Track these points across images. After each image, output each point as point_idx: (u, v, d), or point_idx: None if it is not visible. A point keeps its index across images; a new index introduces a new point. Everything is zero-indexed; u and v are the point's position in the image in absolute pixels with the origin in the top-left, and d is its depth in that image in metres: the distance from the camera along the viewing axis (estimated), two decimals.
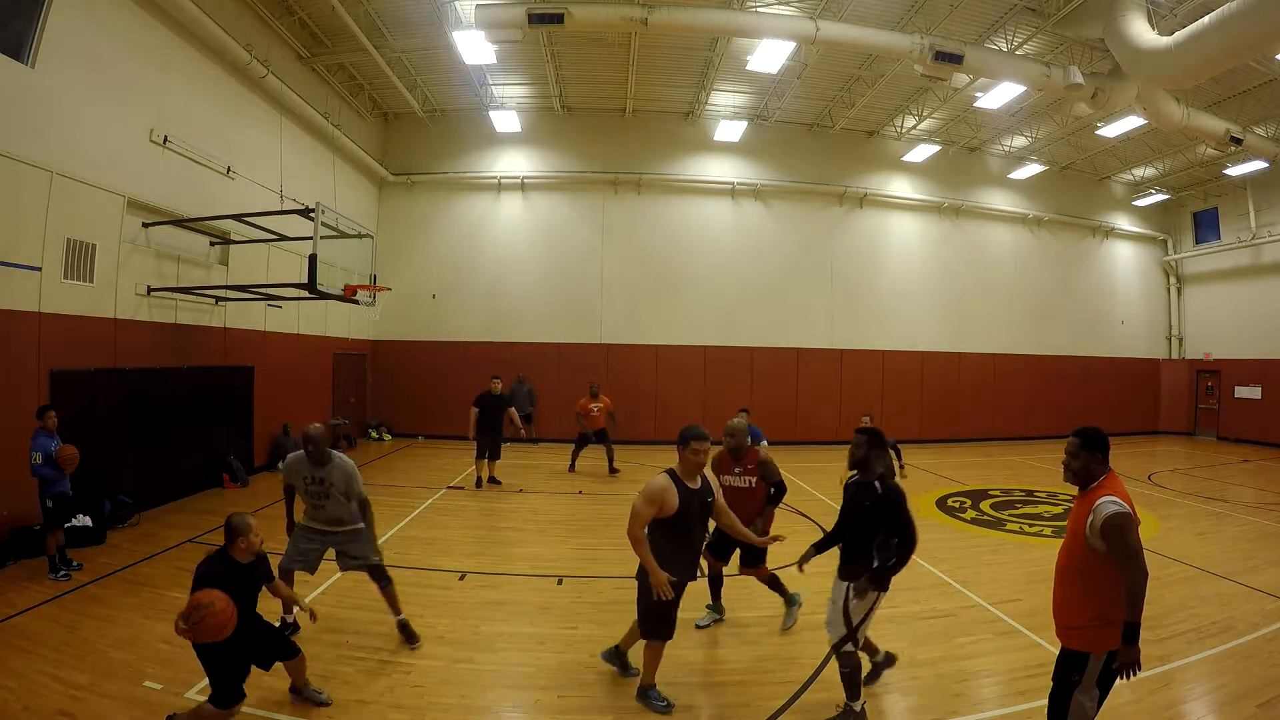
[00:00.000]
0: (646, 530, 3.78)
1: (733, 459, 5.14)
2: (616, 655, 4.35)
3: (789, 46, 11.12)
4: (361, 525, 4.79)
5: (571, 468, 11.71)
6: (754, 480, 5.03)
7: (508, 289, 16.02)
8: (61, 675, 4.02)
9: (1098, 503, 2.88)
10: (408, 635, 4.76)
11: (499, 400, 10.36)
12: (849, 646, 3.72)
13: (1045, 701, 3.94)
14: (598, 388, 11.85)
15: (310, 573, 4.83)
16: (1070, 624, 3.07)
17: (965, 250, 17.79)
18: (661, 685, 4.21)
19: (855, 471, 3.96)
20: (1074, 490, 3.20)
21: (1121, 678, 2.89)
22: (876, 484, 3.77)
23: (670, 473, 3.85)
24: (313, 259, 8.27)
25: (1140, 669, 2.82)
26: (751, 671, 4.41)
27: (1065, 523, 3.35)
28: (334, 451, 4.67)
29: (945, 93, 14.03)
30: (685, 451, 3.79)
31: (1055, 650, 4.60)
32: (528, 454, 14.00)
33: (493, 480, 10.46)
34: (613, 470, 11.53)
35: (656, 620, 3.86)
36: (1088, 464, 3.03)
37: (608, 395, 11.70)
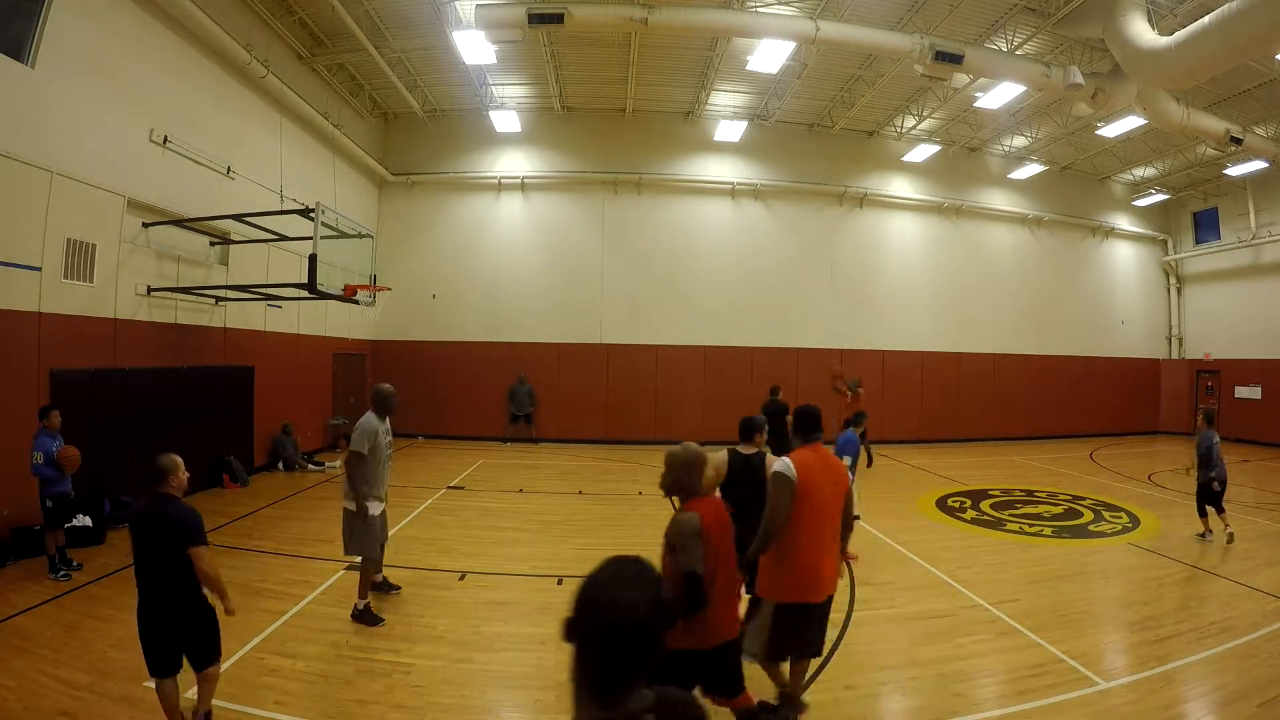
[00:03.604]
0: None
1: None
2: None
3: (789, 46, 11.11)
4: None
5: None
6: None
7: (508, 289, 16.02)
8: (61, 675, 4.02)
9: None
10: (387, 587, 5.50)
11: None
12: None
13: (1046, 701, 3.97)
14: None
15: None
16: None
17: (965, 250, 17.79)
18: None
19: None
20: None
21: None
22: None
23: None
24: (313, 259, 8.28)
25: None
26: (751, 671, 4.40)
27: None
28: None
29: (945, 93, 14.02)
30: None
31: (1055, 650, 4.64)
32: (528, 454, 14.00)
33: None
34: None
35: None
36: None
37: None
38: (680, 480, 2.97)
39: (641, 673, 1.22)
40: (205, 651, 3.40)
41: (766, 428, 4.58)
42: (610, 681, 1.20)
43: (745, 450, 4.43)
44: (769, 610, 3.44)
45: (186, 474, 3.48)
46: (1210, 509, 7.78)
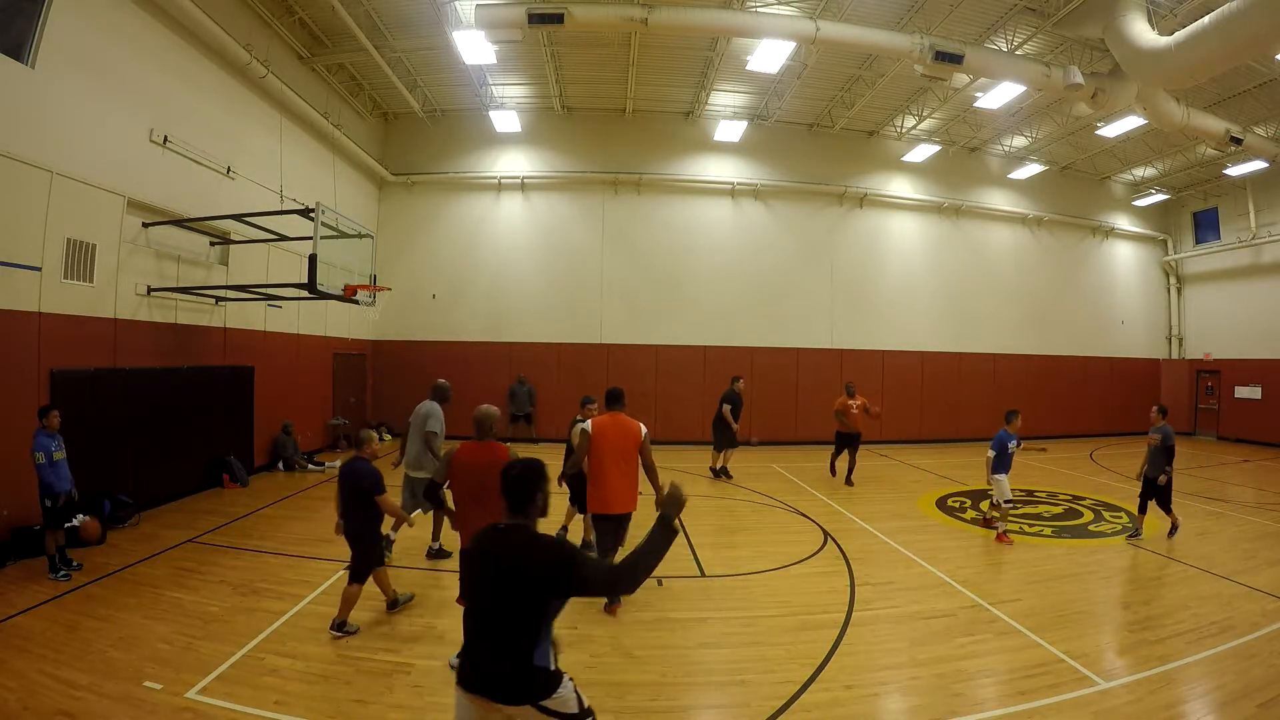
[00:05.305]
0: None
1: None
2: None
3: (789, 46, 11.11)
4: None
5: (833, 471, 11.55)
6: None
7: (508, 289, 16.01)
8: (61, 675, 4.02)
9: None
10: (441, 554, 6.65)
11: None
12: None
13: (1046, 701, 3.97)
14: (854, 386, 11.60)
15: None
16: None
17: (965, 250, 17.79)
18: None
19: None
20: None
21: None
22: None
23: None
24: (313, 259, 8.27)
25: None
26: (751, 671, 4.41)
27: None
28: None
29: (945, 93, 14.02)
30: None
31: (1055, 650, 4.65)
32: (528, 453, 13.98)
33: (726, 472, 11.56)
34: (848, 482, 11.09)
35: None
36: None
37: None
38: (480, 428, 4.39)
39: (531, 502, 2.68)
40: (357, 570, 4.84)
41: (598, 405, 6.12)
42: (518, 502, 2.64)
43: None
44: (589, 517, 5.63)
45: (380, 444, 5.22)
46: (1153, 505, 7.74)
